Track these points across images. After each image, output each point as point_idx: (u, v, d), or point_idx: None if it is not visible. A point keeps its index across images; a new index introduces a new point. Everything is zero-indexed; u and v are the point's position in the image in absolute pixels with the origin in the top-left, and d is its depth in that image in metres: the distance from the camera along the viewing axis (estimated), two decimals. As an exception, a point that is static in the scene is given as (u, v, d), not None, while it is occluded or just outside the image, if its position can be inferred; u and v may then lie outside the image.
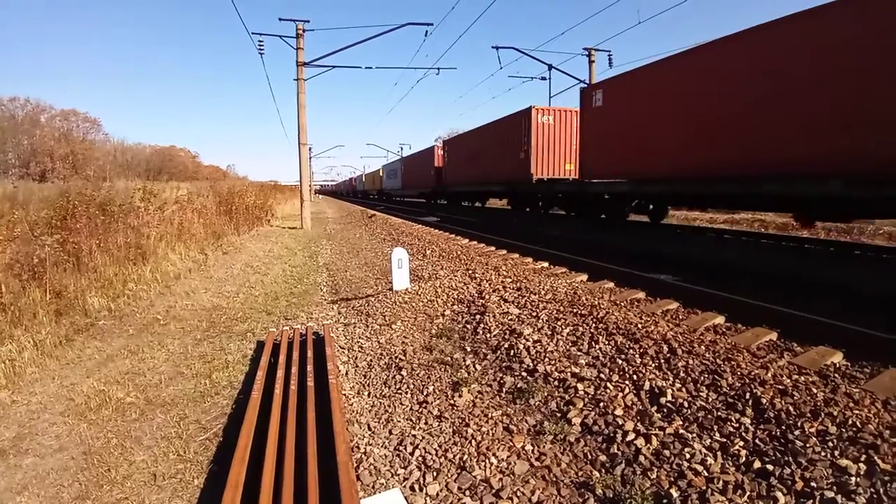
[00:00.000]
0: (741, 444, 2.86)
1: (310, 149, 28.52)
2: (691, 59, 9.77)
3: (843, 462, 2.57)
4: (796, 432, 2.85)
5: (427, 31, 19.49)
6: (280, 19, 19.34)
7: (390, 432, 3.70)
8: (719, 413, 3.17)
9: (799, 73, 7.52)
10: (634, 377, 3.77)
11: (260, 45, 20.01)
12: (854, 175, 6.78)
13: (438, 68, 23.02)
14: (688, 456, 2.84)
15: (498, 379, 4.26)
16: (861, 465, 2.53)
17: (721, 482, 2.60)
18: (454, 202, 29.50)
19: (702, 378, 3.60)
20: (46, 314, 6.84)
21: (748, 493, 2.51)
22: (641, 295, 6.33)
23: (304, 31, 19.49)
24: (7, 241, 8.66)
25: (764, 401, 3.18)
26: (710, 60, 9.19)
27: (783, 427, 2.92)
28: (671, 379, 3.66)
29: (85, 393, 4.71)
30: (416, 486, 3.01)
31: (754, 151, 8.25)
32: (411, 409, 4.02)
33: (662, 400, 3.42)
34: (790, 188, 7.77)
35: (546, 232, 13.67)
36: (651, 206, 12.49)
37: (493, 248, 10.83)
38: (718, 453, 2.83)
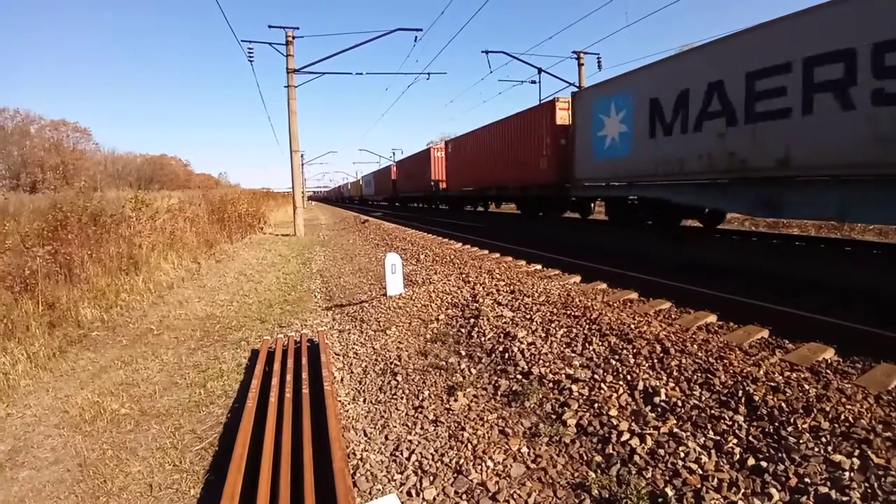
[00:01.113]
0: (735, 441, 2.88)
1: (302, 155, 28.62)
2: (479, 132, 20.93)
3: (837, 457, 2.59)
4: (789, 429, 2.87)
5: (416, 37, 19.61)
6: (269, 26, 19.30)
7: (386, 438, 3.70)
8: (713, 411, 3.19)
9: (496, 145, 19.10)
10: (628, 377, 3.79)
11: (250, 53, 20.00)
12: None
13: (429, 73, 23.19)
14: (682, 455, 2.86)
15: (493, 382, 4.27)
16: (854, 459, 2.55)
17: (716, 480, 2.62)
18: (404, 204, 32.67)
19: (695, 377, 3.62)
20: (39, 326, 6.81)
21: (743, 490, 2.53)
22: (634, 295, 6.36)
23: (293, 38, 19.49)
24: (-2, 253, 8.61)
25: (757, 398, 3.20)
26: (483, 134, 20.53)
27: (776, 424, 2.95)
28: (665, 378, 3.68)
29: (79, 405, 4.69)
30: (413, 492, 3.01)
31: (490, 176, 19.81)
32: (407, 414, 4.02)
33: (656, 399, 3.44)
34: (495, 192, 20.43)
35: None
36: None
37: (486, 252, 10.84)
38: (713, 451, 2.85)
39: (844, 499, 2.33)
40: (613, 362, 4.05)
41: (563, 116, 14.40)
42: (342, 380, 4.95)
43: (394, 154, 58.57)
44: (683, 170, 9.57)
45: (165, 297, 9.24)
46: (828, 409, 3.00)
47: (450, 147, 25.47)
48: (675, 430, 3.09)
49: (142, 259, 11.12)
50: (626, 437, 3.14)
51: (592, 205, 16.98)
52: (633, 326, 4.69)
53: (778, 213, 8.16)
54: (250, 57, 20.14)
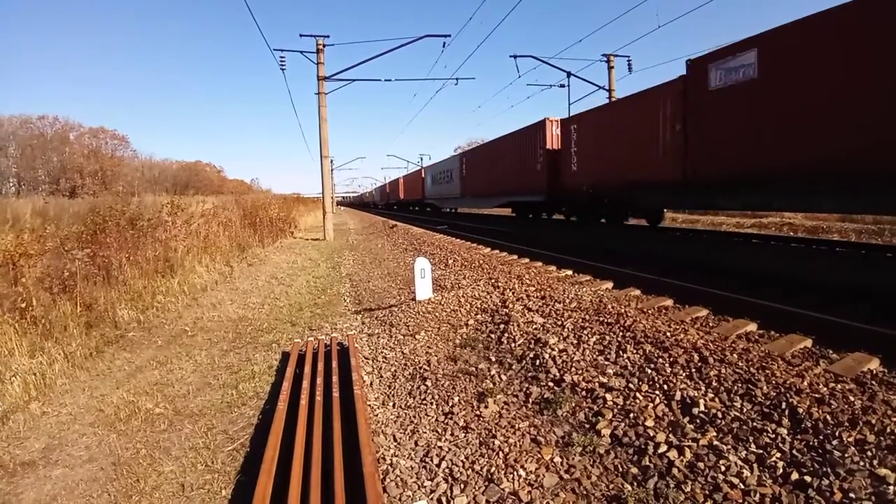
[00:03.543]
0: (778, 455, 2.77)
1: (331, 161, 28.85)
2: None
3: (882, 471, 2.47)
4: (834, 442, 2.75)
5: (445, 43, 19.68)
6: (301, 35, 19.60)
7: (416, 443, 3.67)
8: (755, 423, 3.07)
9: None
10: (665, 387, 3.68)
11: (282, 61, 20.37)
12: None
13: (457, 79, 23.17)
14: (723, 468, 2.76)
15: (524, 389, 4.21)
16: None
17: (758, 495, 2.51)
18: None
19: (735, 387, 3.50)
20: (77, 326, 6.98)
21: (787, 506, 2.43)
22: (669, 302, 6.21)
23: (324, 46, 19.77)
24: (38, 255, 8.88)
25: (800, 410, 3.08)
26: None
27: (821, 437, 2.82)
28: (703, 388, 3.57)
29: (114, 404, 4.78)
30: (444, 499, 2.97)
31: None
32: (437, 419, 3.98)
33: (695, 410, 3.33)
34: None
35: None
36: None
37: (514, 257, 10.77)
38: (755, 465, 2.74)
39: (893, 515, 2.22)
40: (649, 371, 3.95)
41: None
42: (371, 384, 4.94)
43: (421, 159, 58.88)
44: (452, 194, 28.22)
45: (199, 299, 9.41)
46: (873, 421, 2.86)
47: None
48: (715, 442, 2.98)
49: (177, 262, 11.35)
50: (663, 448, 3.05)
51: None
52: (668, 334, 4.58)
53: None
54: (282, 65, 20.53)
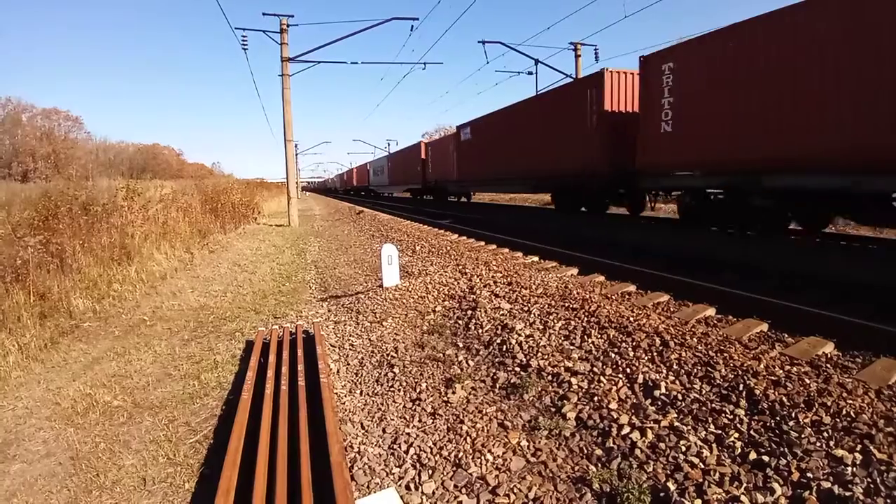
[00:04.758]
0: (736, 435, 2.86)
1: (296, 145, 28.42)
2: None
3: (839, 452, 2.57)
4: (791, 423, 2.85)
5: (413, 26, 19.46)
6: (264, 14, 19.12)
7: (384, 431, 3.66)
8: (713, 405, 3.17)
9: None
10: (628, 370, 3.76)
11: (244, 41, 19.83)
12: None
13: (425, 63, 23.06)
14: (683, 448, 2.83)
15: (491, 374, 4.24)
16: (857, 454, 2.53)
17: (717, 474, 2.59)
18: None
19: (695, 370, 3.59)
20: (30, 317, 6.72)
21: (745, 484, 2.51)
22: (632, 288, 6.33)
23: (288, 26, 19.31)
24: (-12, 242, 8.49)
25: (757, 392, 3.18)
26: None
27: (777, 418, 2.92)
28: (664, 371, 3.66)
29: (71, 397, 4.63)
30: (412, 485, 2.98)
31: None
32: (404, 406, 3.98)
33: (656, 393, 3.41)
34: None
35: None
36: None
37: (482, 244, 10.80)
38: (714, 445, 2.82)
39: (847, 494, 2.31)
40: (612, 355, 4.02)
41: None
42: (338, 372, 4.91)
43: (388, 145, 58.34)
44: (383, 183, 43.65)
45: (158, 287, 9.16)
46: (829, 403, 2.98)
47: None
48: (676, 423, 3.07)
49: (134, 249, 11.00)
50: (626, 430, 3.12)
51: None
52: (632, 319, 4.66)
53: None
54: (244, 45, 19.98)
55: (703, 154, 8.74)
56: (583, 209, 14.69)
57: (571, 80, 19.70)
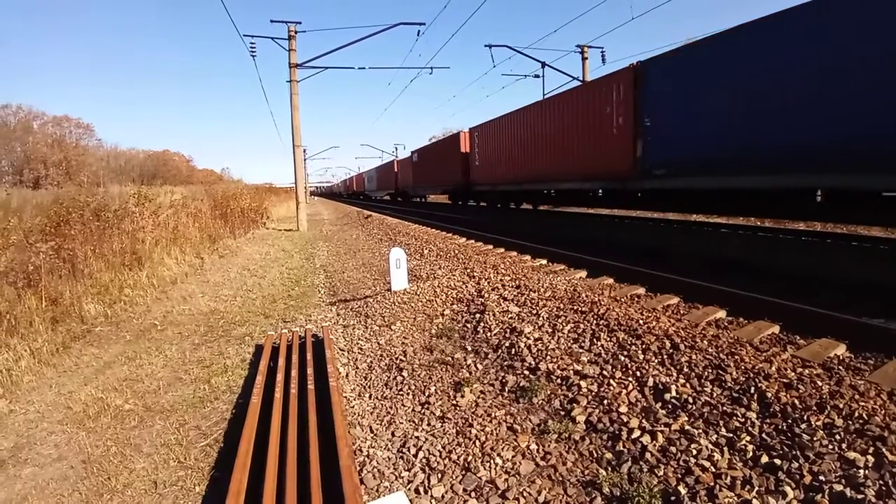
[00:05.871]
0: (748, 438, 2.84)
1: (304, 150, 28.60)
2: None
3: (851, 455, 2.54)
4: (803, 426, 2.83)
5: (419, 31, 19.51)
6: (272, 21, 19.24)
7: (393, 434, 3.67)
8: (725, 408, 3.14)
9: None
10: (637, 373, 3.74)
11: (252, 48, 19.94)
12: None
13: (431, 68, 23.07)
14: (694, 452, 2.81)
15: (500, 378, 4.23)
16: (869, 457, 2.50)
17: (729, 478, 2.57)
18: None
19: (705, 373, 3.57)
20: (42, 322, 6.79)
21: (757, 487, 2.49)
22: (642, 290, 6.30)
23: (296, 32, 19.43)
24: (2, 249, 8.59)
25: (769, 395, 3.15)
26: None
27: (789, 421, 2.90)
28: (675, 374, 3.63)
29: (83, 401, 4.67)
30: (421, 489, 2.98)
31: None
32: (413, 410, 3.98)
33: (667, 396, 3.39)
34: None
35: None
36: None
37: (490, 247, 10.79)
38: (725, 449, 2.80)
39: (859, 496, 2.28)
40: (622, 358, 4.01)
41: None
42: (347, 375, 4.92)
43: (395, 149, 58.78)
44: (372, 189, 53.47)
45: (169, 292, 9.23)
46: (841, 405, 2.95)
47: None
48: (687, 427, 3.04)
49: (145, 254, 11.10)
50: (636, 434, 3.10)
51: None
52: (641, 322, 4.64)
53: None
54: (252, 52, 20.09)
55: (492, 177, 18.59)
56: (459, 202, 25.66)
57: (570, 85, 19.71)
